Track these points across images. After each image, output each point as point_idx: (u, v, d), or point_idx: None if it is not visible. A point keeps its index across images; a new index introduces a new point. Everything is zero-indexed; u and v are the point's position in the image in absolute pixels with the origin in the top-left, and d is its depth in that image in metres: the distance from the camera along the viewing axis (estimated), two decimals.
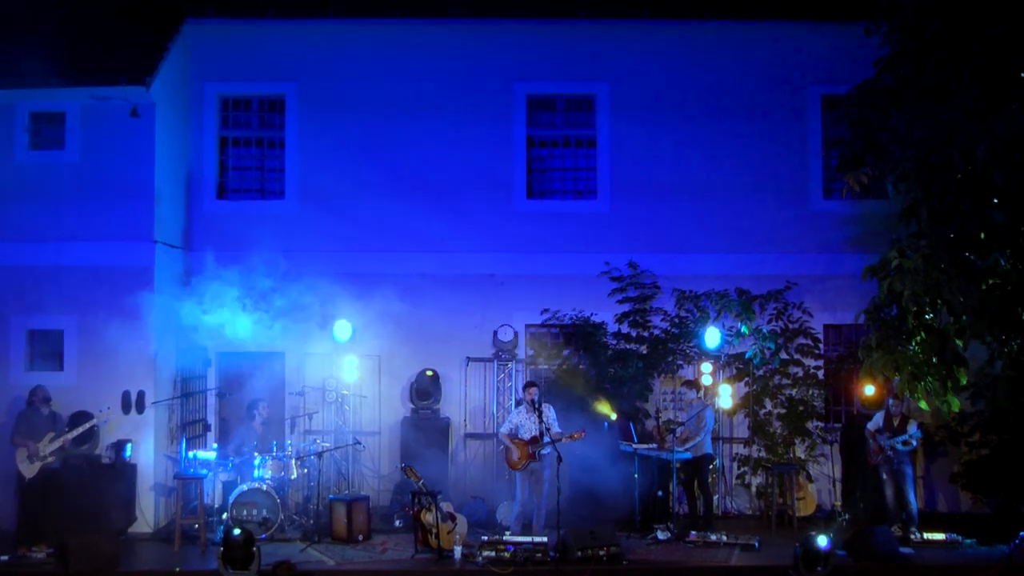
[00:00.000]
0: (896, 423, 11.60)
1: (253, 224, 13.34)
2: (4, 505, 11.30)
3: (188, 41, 13.19)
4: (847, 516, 12.38)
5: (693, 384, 12.58)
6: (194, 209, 13.42)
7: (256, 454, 11.64)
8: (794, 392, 13.24)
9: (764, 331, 13.16)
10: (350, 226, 13.42)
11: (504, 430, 11.42)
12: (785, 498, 12.33)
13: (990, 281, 10.22)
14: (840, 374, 13.48)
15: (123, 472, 11.63)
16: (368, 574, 10.18)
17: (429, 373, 12.97)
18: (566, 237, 13.54)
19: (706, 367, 12.80)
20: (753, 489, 13.18)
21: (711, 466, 12.32)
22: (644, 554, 10.72)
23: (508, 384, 13.27)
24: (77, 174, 12.17)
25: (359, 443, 12.80)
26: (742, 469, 13.23)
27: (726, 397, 12.84)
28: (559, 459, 10.39)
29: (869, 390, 12.20)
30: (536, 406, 11.08)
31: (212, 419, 13.31)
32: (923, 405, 10.82)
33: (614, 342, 13.30)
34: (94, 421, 11.16)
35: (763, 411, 13.26)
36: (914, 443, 11.56)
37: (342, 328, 12.96)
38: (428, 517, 10.49)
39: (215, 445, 12.64)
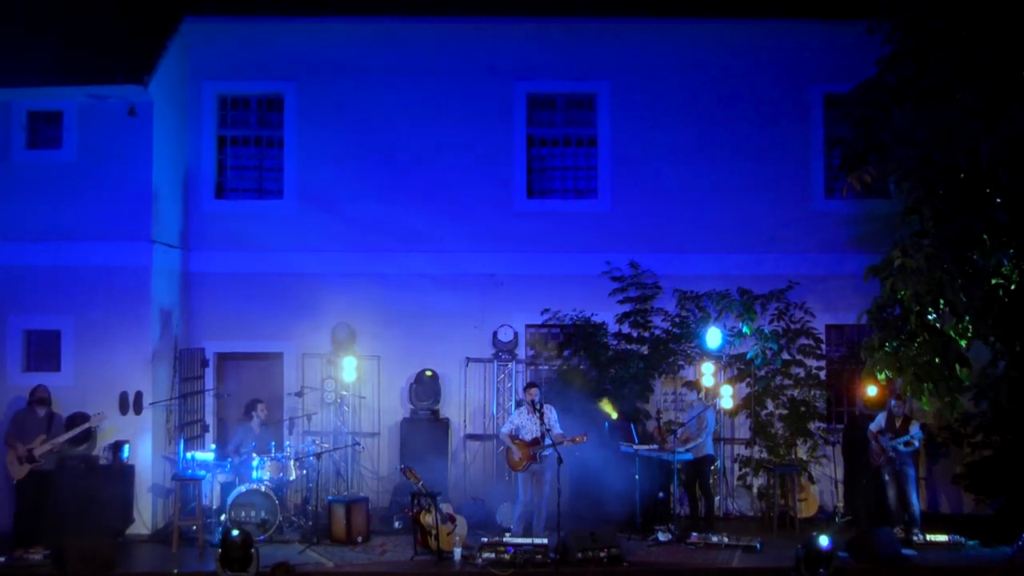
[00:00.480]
0: (898, 424, 11.55)
1: (251, 224, 13.33)
2: (0, 506, 11.22)
3: (186, 39, 13.12)
4: (849, 517, 12.33)
5: (694, 385, 12.53)
6: (192, 209, 13.36)
7: (254, 455, 11.58)
8: (796, 393, 13.18)
9: (766, 331, 13.11)
10: (349, 226, 13.36)
11: (505, 431, 11.37)
12: (787, 499, 12.28)
13: (993, 281, 10.17)
14: (842, 375, 13.44)
15: (121, 473, 11.57)
16: None
17: (428, 374, 12.91)
18: (566, 237, 13.49)
19: (707, 368, 12.72)
20: (755, 490, 13.12)
21: (712, 467, 12.28)
22: (645, 556, 10.67)
23: (508, 385, 13.21)
24: (74, 173, 12.09)
25: (358, 444, 12.77)
26: (743, 470, 13.17)
27: (727, 398, 12.76)
28: (560, 460, 10.34)
29: (871, 391, 12.16)
30: (537, 407, 11.02)
31: (210, 420, 13.24)
32: (926, 406, 10.77)
33: (615, 342, 13.24)
34: (86, 425, 11.08)
35: (765, 412, 13.19)
36: (916, 444, 11.52)
37: (341, 328, 12.92)
38: (428, 518, 10.45)
39: (213, 446, 12.61)
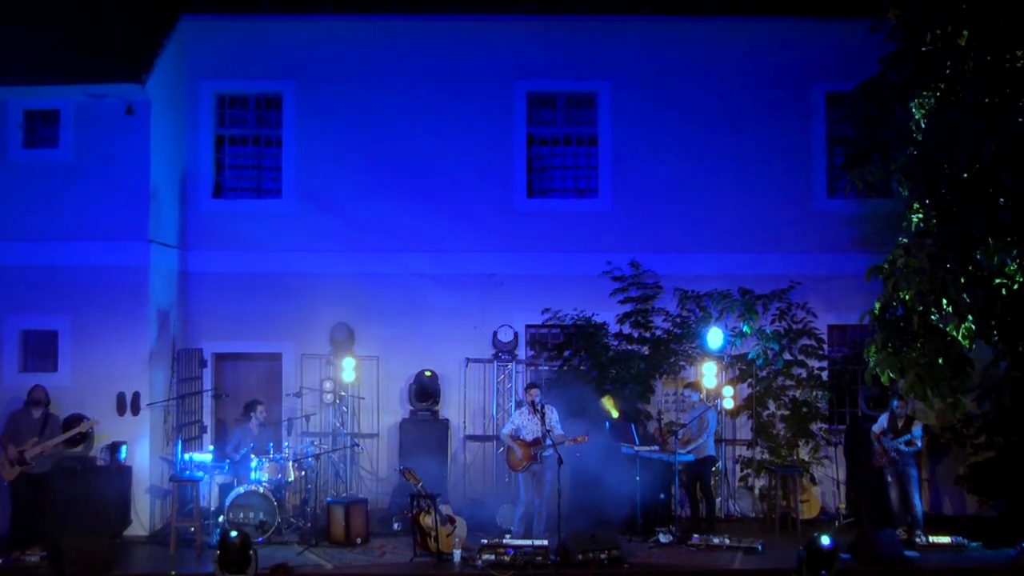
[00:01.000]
0: (900, 424, 11.50)
1: (250, 223, 13.28)
2: None
3: (184, 38, 13.06)
4: (851, 519, 12.28)
5: (695, 385, 12.46)
6: (190, 208, 13.29)
7: (253, 456, 11.52)
8: (798, 393, 13.12)
9: (767, 332, 13.06)
10: (348, 225, 13.30)
11: (506, 431, 11.34)
12: (788, 501, 12.22)
13: (996, 281, 10.11)
14: (844, 375, 13.37)
15: (118, 474, 11.51)
16: None
17: (428, 374, 12.85)
18: (567, 236, 13.42)
19: (709, 368, 12.66)
20: (756, 492, 13.06)
21: (714, 468, 12.23)
22: (646, 557, 10.62)
23: (508, 385, 13.15)
24: (71, 173, 12.04)
25: (357, 445, 12.71)
26: (745, 471, 13.11)
27: (728, 398, 12.72)
28: (560, 461, 10.29)
29: (873, 391, 12.09)
30: (538, 408, 10.97)
31: (208, 421, 13.20)
32: (929, 406, 10.71)
33: (615, 343, 13.18)
34: (75, 431, 11.01)
35: (766, 413, 13.13)
36: (918, 444, 11.47)
37: (340, 329, 12.86)
38: (427, 520, 10.40)
39: (211, 447, 12.58)
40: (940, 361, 10.24)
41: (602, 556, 10.05)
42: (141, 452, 11.91)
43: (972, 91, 9.92)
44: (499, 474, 12.77)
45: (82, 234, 11.94)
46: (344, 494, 12.37)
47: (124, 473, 11.60)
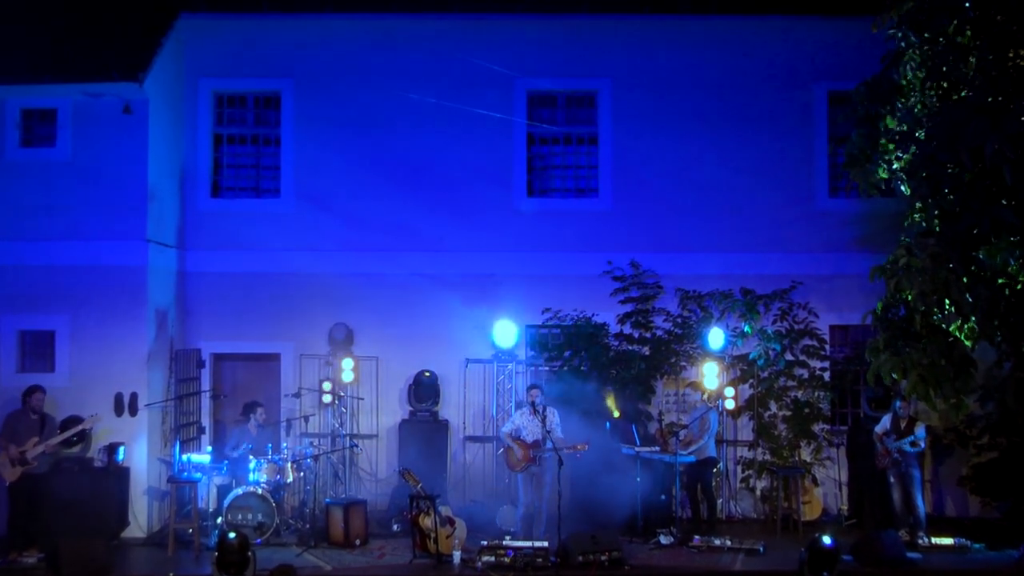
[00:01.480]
0: (903, 425, 11.45)
1: (248, 223, 13.24)
2: None
3: (182, 36, 13.02)
4: (853, 520, 12.23)
5: (696, 386, 12.39)
6: (188, 207, 13.24)
7: (251, 457, 11.47)
8: (799, 394, 13.07)
9: (769, 332, 13.01)
10: (347, 225, 13.26)
11: (506, 429, 11.31)
12: (790, 502, 12.17)
13: (999, 281, 10.05)
14: (846, 376, 13.32)
15: (116, 475, 11.47)
16: None
17: (427, 374, 12.81)
18: (567, 236, 13.37)
19: (710, 368, 12.60)
20: (758, 493, 13.01)
21: (715, 469, 12.20)
22: (646, 559, 10.58)
23: (508, 386, 13.09)
24: (69, 172, 11.99)
25: (356, 446, 12.66)
26: (746, 472, 13.06)
27: (730, 399, 12.66)
28: (560, 463, 10.25)
29: (876, 392, 12.04)
30: (539, 410, 10.91)
31: (207, 422, 13.14)
32: (931, 407, 10.65)
33: (616, 343, 13.14)
34: (79, 427, 10.99)
35: (768, 413, 13.08)
36: (921, 444, 11.44)
37: (339, 329, 12.81)
38: (426, 521, 10.36)
39: (209, 448, 12.53)
40: (943, 362, 10.17)
41: (603, 558, 10.02)
42: (139, 453, 11.86)
43: (974, 90, 9.86)
44: (499, 475, 12.72)
45: (79, 234, 11.89)
46: (343, 495, 12.30)
47: (122, 474, 11.56)
